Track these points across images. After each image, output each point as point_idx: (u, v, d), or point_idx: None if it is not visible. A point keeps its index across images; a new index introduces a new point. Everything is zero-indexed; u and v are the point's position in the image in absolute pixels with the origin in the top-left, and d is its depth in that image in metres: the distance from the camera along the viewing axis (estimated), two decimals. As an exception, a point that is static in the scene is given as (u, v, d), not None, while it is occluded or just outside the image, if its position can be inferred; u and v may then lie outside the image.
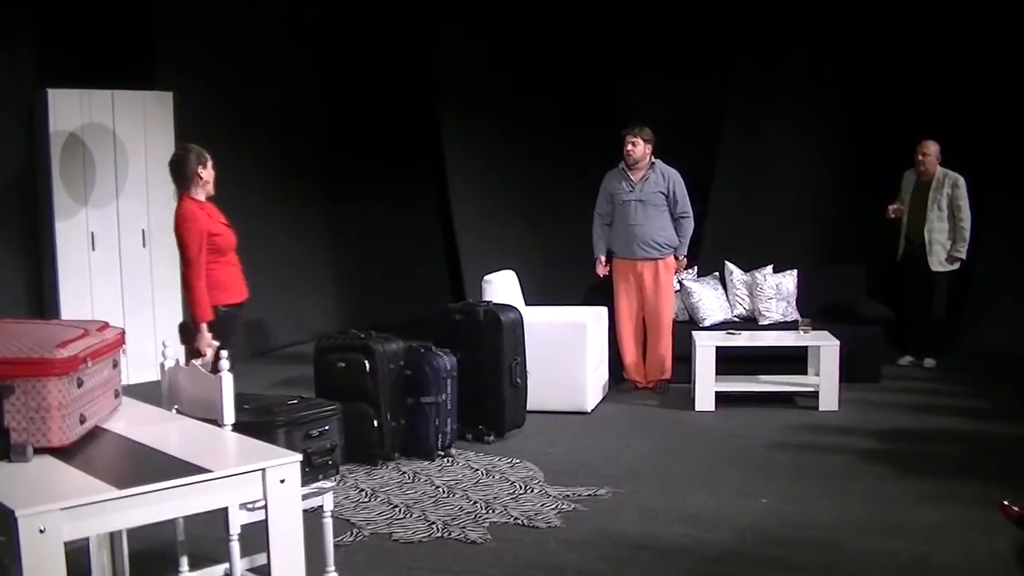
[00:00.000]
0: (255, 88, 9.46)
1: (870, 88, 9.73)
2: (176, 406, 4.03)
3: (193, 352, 5.58)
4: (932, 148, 8.47)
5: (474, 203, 10.52)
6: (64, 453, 2.97)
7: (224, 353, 4.07)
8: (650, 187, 7.91)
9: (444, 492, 5.69)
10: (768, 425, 7.05)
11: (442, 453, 6.37)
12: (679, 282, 8.33)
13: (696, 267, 8.75)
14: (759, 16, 9.98)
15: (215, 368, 5.40)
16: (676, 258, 8.03)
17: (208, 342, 5.56)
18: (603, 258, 8.12)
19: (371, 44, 10.64)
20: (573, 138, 10.43)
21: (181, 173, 5.72)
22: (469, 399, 6.58)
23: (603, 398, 7.79)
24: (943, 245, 8.45)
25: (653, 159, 7.96)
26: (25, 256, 8.38)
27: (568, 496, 5.57)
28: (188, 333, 5.73)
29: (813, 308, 8.33)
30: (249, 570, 4.14)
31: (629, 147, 7.91)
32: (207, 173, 5.72)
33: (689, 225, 8.01)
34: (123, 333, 3.45)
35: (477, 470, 6.10)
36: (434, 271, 11.32)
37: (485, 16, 10.36)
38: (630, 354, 8.13)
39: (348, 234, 10.73)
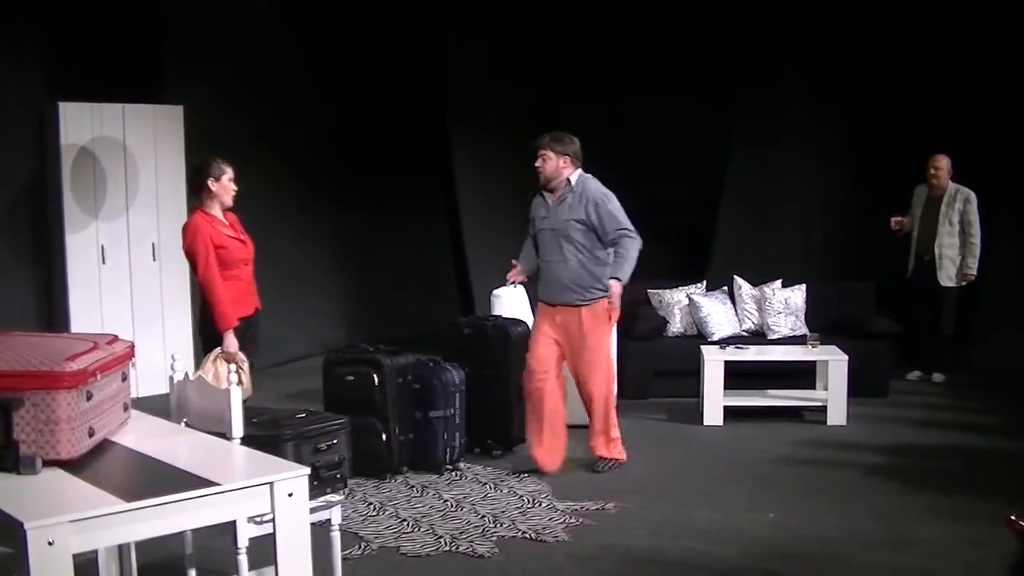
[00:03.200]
0: (264, 102, 9.49)
1: (877, 103, 9.71)
2: (185, 419, 4.04)
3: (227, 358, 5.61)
4: (944, 163, 8.45)
5: (483, 217, 10.52)
6: (73, 466, 2.99)
7: (234, 367, 4.10)
8: (563, 214, 6.11)
9: (452, 506, 5.69)
10: (776, 440, 7.04)
11: (450, 467, 6.36)
12: (688, 297, 8.17)
13: (704, 282, 8.74)
14: (765, 33, 9.97)
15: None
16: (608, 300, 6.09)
17: (235, 348, 5.60)
18: (515, 262, 6.53)
19: (380, 58, 10.67)
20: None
21: (193, 184, 5.82)
22: (477, 413, 6.57)
23: (611, 412, 7.77)
24: (953, 260, 8.44)
25: (571, 176, 6.17)
26: (35, 269, 8.42)
27: (576, 510, 5.57)
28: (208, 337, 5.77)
29: (822, 323, 8.33)
30: (257, 583, 4.15)
31: (538, 162, 6.15)
32: (217, 186, 5.70)
33: (629, 244, 6.04)
34: (132, 346, 3.47)
35: (485, 484, 6.10)
36: (443, 285, 11.31)
37: (494, 31, 10.39)
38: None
39: (357, 248, 10.75)
